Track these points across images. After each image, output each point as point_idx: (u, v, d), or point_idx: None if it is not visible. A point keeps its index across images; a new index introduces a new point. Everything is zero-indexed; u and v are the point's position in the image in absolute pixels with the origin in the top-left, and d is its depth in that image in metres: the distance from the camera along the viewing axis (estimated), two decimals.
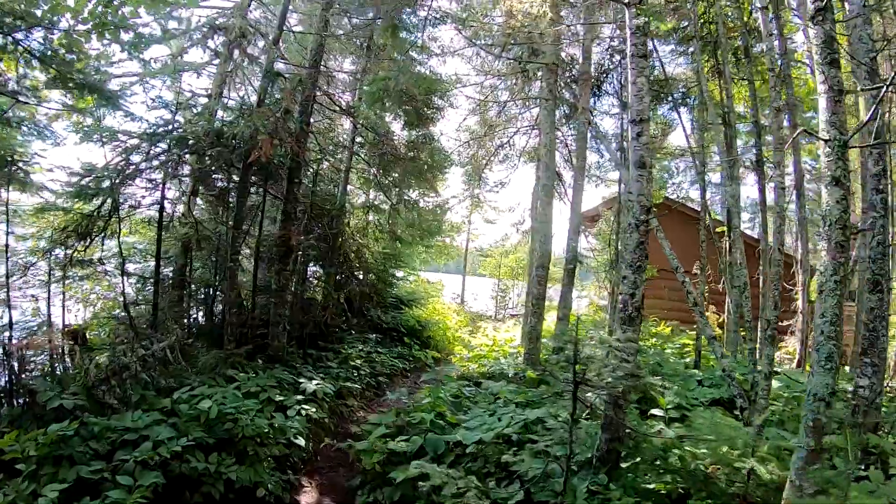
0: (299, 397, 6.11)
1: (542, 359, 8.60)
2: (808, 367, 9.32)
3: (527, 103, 12.35)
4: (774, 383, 8.24)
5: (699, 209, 16.87)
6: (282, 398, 5.95)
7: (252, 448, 4.88)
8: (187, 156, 7.51)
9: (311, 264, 10.95)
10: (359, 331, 10.56)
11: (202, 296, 8.69)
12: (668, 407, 5.78)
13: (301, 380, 6.68)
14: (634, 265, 4.30)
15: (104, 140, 6.77)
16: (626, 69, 11.67)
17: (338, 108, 9.65)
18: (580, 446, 4.46)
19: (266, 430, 5.07)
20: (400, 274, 13.46)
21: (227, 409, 5.02)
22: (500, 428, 4.66)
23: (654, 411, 4.95)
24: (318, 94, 8.40)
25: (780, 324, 10.47)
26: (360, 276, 11.34)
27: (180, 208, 8.21)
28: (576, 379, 3.81)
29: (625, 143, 10.59)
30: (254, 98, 8.06)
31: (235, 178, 7.96)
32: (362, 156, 12.30)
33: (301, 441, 5.40)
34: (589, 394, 4.62)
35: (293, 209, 7.79)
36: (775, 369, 9.39)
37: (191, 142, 7.04)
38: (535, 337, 8.27)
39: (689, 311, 11.75)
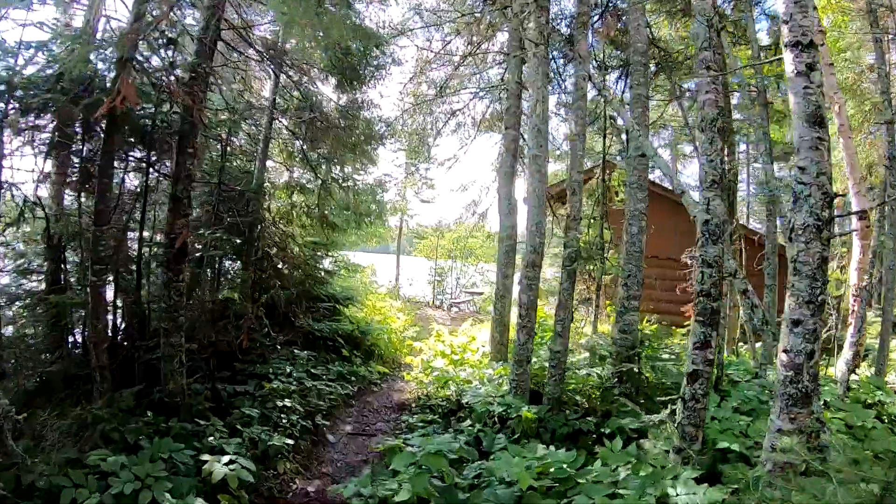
0: (200, 501, 3.88)
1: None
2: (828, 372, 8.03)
3: (486, 60, 10.27)
4: None
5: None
6: (175, 501, 3.71)
7: None
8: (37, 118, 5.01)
9: (222, 262, 8.55)
10: (285, 344, 8.27)
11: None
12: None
13: (206, 456, 4.42)
14: (815, 299, 2.37)
15: None
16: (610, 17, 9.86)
17: (254, 50, 7.22)
18: None
19: None
20: (328, 263, 11.14)
21: None
22: None
23: None
24: (223, 26, 5.95)
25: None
26: (286, 272, 9.02)
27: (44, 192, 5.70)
28: None
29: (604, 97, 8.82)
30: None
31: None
32: (285, 123, 9.89)
33: None
34: None
35: (185, 191, 5.36)
36: None
37: (19, 93, 4.53)
38: (524, 358, 6.33)
39: (679, 304, 10.20)
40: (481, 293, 19.39)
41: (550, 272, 19.16)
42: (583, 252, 6.44)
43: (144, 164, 5.82)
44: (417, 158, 11.69)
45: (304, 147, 10.06)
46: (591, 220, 9.20)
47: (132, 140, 5.54)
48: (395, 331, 10.74)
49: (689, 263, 11.31)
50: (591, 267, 9.16)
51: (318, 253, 10.35)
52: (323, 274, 10.06)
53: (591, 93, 10.61)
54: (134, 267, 6.52)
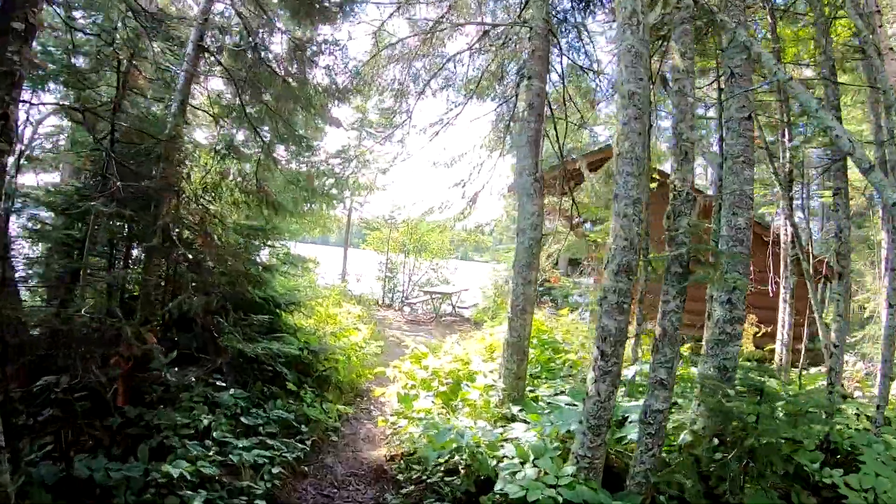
0: None
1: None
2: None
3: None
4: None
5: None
6: None
7: None
8: None
9: (115, 251, 5.73)
10: (205, 375, 5.57)
11: None
12: None
13: None
14: None
15: None
16: None
17: None
18: None
19: None
20: (266, 255, 8.39)
21: None
22: None
23: None
24: None
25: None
26: (206, 266, 6.23)
27: None
28: None
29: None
30: None
31: None
32: (222, 62, 7.12)
33: None
34: None
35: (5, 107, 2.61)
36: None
37: None
38: (603, 422, 3.89)
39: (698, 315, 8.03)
40: (441, 293, 16.87)
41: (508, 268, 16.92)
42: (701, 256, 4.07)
43: None
44: (390, 123, 8.97)
45: (243, 96, 7.34)
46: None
47: None
48: (355, 347, 8.11)
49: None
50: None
51: (255, 241, 7.60)
52: (260, 270, 7.29)
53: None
54: None
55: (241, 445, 4.69)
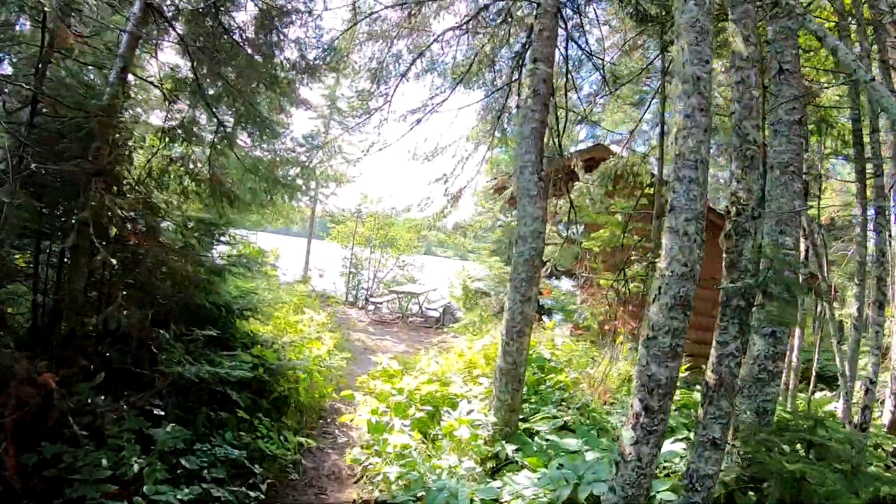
0: None
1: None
2: None
3: None
4: None
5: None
6: None
7: None
8: None
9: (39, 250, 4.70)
10: (138, 403, 4.58)
11: None
12: None
13: None
14: None
15: None
16: None
17: None
18: None
19: None
20: (219, 254, 7.35)
21: None
22: None
23: None
24: None
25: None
26: (148, 267, 5.18)
27: None
28: None
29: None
30: None
31: None
32: (176, 27, 6.07)
33: None
34: None
35: None
36: None
37: None
38: (643, 488, 3.11)
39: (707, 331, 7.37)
40: (408, 293, 15.94)
41: (482, 270, 16.13)
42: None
43: None
44: (365, 107, 7.98)
45: (199, 69, 6.29)
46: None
47: None
48: (317, 361, 7.16)
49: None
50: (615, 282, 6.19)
51: (207, 238, 6.58)
52: (210, 273, 6.24)
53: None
54: None
55: (178, 499, 3.76)
